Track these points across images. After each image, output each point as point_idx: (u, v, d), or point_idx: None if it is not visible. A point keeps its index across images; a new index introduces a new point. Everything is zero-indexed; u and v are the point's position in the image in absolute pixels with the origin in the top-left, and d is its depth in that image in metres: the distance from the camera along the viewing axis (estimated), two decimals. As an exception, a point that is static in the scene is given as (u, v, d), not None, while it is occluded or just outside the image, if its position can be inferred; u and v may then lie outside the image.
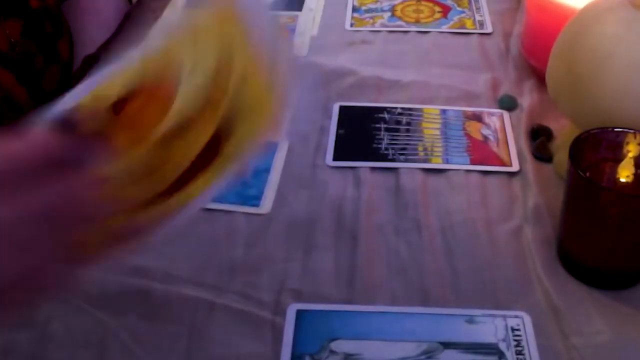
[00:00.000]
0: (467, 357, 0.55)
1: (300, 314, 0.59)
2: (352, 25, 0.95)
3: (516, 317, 0.58)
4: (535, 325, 0.57)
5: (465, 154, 0.74)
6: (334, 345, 0.56)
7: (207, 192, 0.42)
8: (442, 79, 0.84)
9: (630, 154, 0.61)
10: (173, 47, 0.44)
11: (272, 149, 0.75)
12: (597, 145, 0.61)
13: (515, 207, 0.68)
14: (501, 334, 0.56)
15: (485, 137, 0.76)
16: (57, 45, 0.91)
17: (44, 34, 0.89)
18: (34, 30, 0.87)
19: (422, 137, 0.76)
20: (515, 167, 0.72)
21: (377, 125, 0.77)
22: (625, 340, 0.56)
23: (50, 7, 0.91)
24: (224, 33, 0.43)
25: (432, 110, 0.80)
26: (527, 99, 0.81)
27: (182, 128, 0.41)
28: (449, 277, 0.61)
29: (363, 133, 0.77)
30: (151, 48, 0.44)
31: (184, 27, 0.44)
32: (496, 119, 0.78)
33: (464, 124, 0.78)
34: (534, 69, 0.83)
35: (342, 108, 0.80)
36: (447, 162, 0.73)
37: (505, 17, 0.96)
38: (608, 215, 0.58)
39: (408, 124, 0.78)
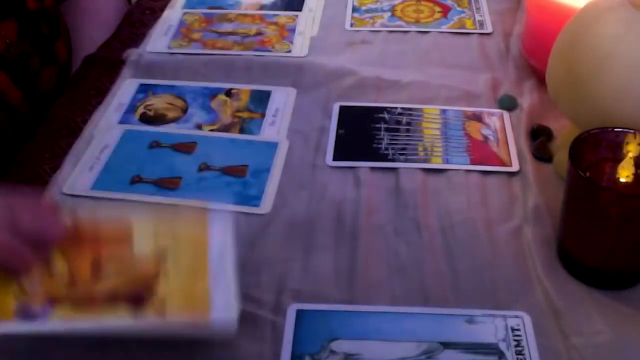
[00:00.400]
0: (467, 357, 0.55)
1: (300, 314, 0.59)
2: (352, 25, 0.95)
3: (516, 317, 0.58)
4: (535, 325, 0.57)
5: (465, 154, 0.74)
6: (334, 345, 0.56)
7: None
8: (442, 79, 0.84)
9: (630, 154, 0.61)
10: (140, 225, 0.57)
11: (272, 148, 0.75)
12: (597, 145, 0.61)
13: (515, 207, 0.68)
14: (501, 334, 0.56)
15: (485, 137, 0.76)
16: (54, 46, 0.91)
17: (41, 35, 0.89)
18: (30, 31, 0.87)
19: (422, 137, 0.76)
20: (515, 167, 0.72)
21: (377, 125, 0.77)
22: (625, 340, 0.56)
23: (47, 8, 0.91)
24: (185, 236, 0.57)
25: (432, 110, 0.80)
26: (527, 99, 0.81)
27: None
28: (449, 277, 0.61)
29: (363, 133, 0.77)
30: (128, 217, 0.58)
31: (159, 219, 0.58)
32: (496, 119, 0.78)
33: (464, 124, 0.78)
34: (534, 69, 0.83)
35: (342, 108, 0.80)
36: (447, 162, 0.73)
37: (505, 17, 0.96)
38: (608, 215, 0.58)
39: (408, 124, 0.78)
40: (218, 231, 0.57)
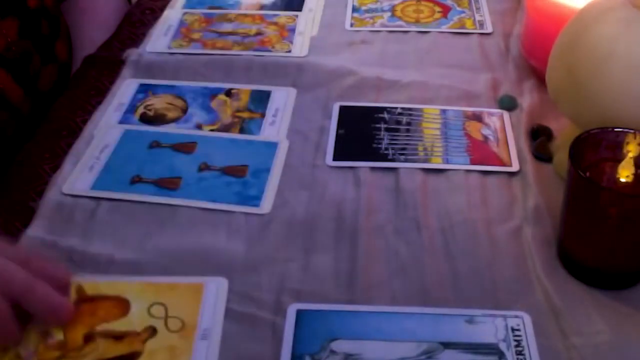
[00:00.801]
0: (467, 357, 0.55)
1: (300, 314, 0.59)
2: (352, 25, 0.95)
3: (516, 317, 0.58)
4: (535, 325, 0.57)
5: (465, 154, 0.74)
6: (334, 345, 0.56)
7: None
8: (442, 79, 0.84)
9: (630, 154, 0.61)
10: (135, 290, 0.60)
11: (272, 148, 0.75)
12: (597, 145, 0.61)
13: (515, 207, 0.68)
14: (501, 334, 0.56)
15: (485, 137, 0.76)
16: (54, 45, 0.91)
17: (41, 34, 0.89)
18: (31, 30, 0.87)
19: (422, 137, 0.76)
20: (515, 167, 0.72)
21: (377, 125, 0.77)
22: (625, 340, 0.56)
23: (48, 7, 0.91)
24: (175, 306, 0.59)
25: (432, 110, 0.80)
26: (527, 99, 0.81)
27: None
28: (449, 277, 0.61)
29: (363, 133, 0.77)
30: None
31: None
32: (496, 119, 0.78)
33: (464, 124, 0.78)
34: (534, 69, 0.83)
35: (342, 108, 0.80)
36: (447, 162, 0.73)
37: (505, 17, 0.96)
38: (608, 215, 0.58)
39: (408, 124, 0.78)
40: (209, 305, 0.59)
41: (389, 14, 0.97)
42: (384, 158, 0.73)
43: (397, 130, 0.77)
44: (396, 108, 0.80)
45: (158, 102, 0.82)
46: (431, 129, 0.77)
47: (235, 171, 0.72)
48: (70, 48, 0.96)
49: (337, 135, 0.76)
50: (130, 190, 0.70)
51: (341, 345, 0.56)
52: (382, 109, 0.80)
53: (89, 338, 0.56)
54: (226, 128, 0.78)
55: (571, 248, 0.61)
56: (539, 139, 0.74)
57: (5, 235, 0.64)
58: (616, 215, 0.57)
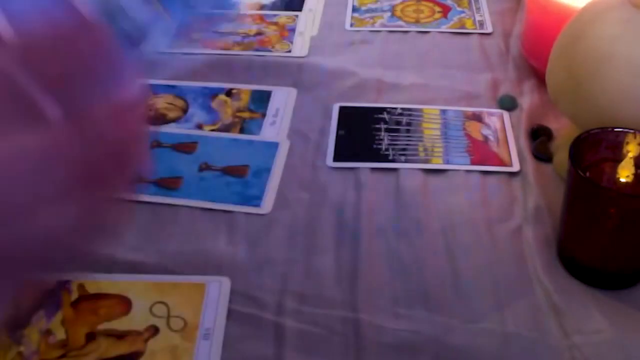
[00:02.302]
0: None
1: None
2: (352, 25, 0.95)
3: None
4: (536, 324, 0.57)
5: (465, 154, 0.74)
6: None
7: None
8: (442, 79, 0.84)
9: (630, 154, 0.61)
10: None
11: (273, 149, 0.75)
12: (597, 145, 0.61)
13: (516, 207, 0.68)
14: None
15: (486, 137, 0.76)
16: None
17: None
18: None
19: (422, 137, 0.76)
20: (515, 167, 0.72)
21: (378, 126, 0.77)
22: (626, 338, 0.56)
23: None
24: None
25: (432, 110, 0.80)
26: (527, 99, 0.81)
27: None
28: (450, 278, 0.61)
29: (363, 134, 0.77)
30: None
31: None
32: (496, 119, 0.78)
33: (464, 124, 0.78)
34: (534, 69, 0.83)
35: (342, 109, 0.80)
36: (447, 162, 0.73)
37: (505, 17, 0.96)
38: (608, 215, 0.58)
39: (408, 124, 0.78)
40: (212, 305, 0.59)
41: (389, 14, 0.97)
42: (385, 159, 0.73)
43: (397, 130, 0.77)
44: (396, 108, 0.80)
45: (158, 102, 0.82)
46: (431, 129, 0.77)
47: (236, 171, 0.72)
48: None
49: (338, 136, 0.76)
50: (131, 191, 0.70)
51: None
52: (382, 110, 0.80)
53: (90, 337, 0.56)
54: (227, 128, 0.78)
55: (571, 248, 0.62)
56: (539, 139, 0.74)
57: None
58: (616, 215, 0.57)
